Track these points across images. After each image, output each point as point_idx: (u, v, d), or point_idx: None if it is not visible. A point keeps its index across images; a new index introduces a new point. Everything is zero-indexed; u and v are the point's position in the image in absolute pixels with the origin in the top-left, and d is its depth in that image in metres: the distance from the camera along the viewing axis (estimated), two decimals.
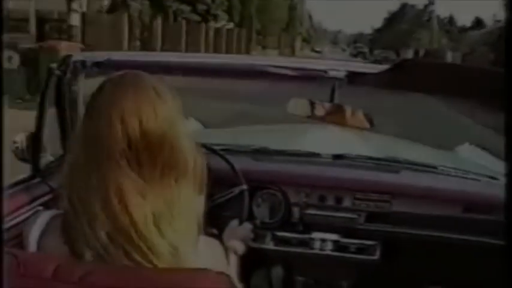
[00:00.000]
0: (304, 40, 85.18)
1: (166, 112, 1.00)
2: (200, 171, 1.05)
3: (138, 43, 19.83)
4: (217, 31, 28.87)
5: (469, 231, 1.97)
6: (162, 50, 19.36)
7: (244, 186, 1.95)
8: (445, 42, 50.54)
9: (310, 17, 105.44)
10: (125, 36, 18.28)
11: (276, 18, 46.28)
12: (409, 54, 48.91)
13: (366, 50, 73.01)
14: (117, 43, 16.60)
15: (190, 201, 1.03)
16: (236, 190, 1.95)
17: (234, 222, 1.79)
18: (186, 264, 1.00)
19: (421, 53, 45.55)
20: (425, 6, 63.44)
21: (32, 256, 1.02)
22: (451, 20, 66.27)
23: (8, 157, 1.58)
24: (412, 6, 74.72)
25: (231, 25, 32.64)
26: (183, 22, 24.17)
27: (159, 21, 22.10)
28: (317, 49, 77.81)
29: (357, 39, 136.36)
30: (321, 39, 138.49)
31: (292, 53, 52.99)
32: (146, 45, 20.10)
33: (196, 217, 1.04)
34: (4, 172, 1.17)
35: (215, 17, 28.36)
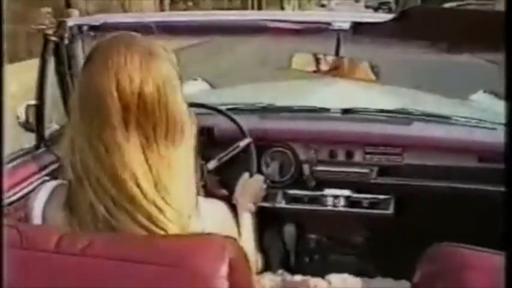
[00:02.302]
0: None
1: (161, 72, 0.97)
2: (193, 133, 1.03)
3: None
4: None
5: (484, 181, 1.93)
6: None
7: (250, 139, 1.92)
8: None
9: None
10: None
11: None
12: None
13: None
14: None
15: (188, 163, 1.01)
16: (242, 144, 1.92)
17: (245, 176, 1.76)
18: (191, 228, 0.98)
19: None
20: None
21: (34, 229, 1.00)
22: None
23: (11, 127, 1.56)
24: None
25: None
26: None
27: None
28: (324, 2, 68.09)
29: None
30: None
31: None
32: None
33: (193, 180, 1.02)
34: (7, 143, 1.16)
35: None
